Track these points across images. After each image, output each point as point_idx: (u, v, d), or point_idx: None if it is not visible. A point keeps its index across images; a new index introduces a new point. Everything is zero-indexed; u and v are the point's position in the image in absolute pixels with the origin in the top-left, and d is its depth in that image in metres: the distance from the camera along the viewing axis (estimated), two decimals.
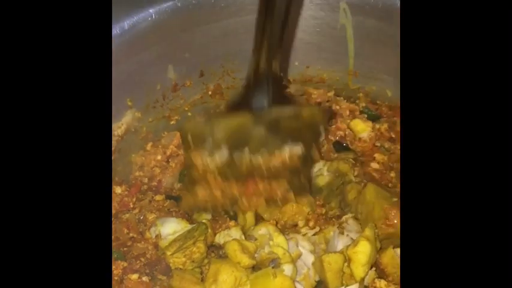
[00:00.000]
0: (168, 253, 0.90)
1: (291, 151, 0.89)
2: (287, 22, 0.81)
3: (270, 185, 0.92)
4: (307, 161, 0.92)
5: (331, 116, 1.09)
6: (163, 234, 0.93)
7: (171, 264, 0.91)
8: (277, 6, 0.77)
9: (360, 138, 1.09)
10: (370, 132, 1.09)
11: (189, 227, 0.93)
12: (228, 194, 0.92)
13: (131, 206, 1.02)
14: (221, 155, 0.87)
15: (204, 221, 0.94)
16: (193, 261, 0.91)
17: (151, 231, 0.96)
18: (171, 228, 0.94)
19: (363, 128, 1.09)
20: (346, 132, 1.10)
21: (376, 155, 1.07)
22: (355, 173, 1.03)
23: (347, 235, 0.92)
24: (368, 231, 0.87)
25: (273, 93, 0.85)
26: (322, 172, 1.02)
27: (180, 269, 0.91)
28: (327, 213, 1.00)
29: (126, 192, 1.03)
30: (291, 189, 0.92)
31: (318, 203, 1.00)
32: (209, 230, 0.93)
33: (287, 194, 0.93)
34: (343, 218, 0.96)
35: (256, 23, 0.79)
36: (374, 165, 1.05)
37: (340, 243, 0.91)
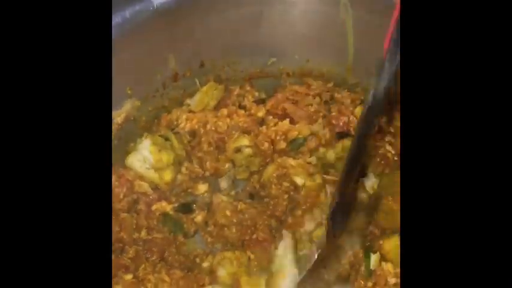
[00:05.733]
0: None
1: None
2: None
3: None
4: None
5: None
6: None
7: None
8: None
9: None
10: None
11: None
12: None
13: (121, 197, 1.03)
14: None
15: None
16: None
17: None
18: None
19: None
20: (350, 118, 1.11)
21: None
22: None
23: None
24: None
25: None
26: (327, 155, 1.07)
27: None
28: None
29: (117, 183, 1.04)
30: None
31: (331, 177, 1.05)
32: None
33: None
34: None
35: None
36: (389, 147, 1.08)
37: None
